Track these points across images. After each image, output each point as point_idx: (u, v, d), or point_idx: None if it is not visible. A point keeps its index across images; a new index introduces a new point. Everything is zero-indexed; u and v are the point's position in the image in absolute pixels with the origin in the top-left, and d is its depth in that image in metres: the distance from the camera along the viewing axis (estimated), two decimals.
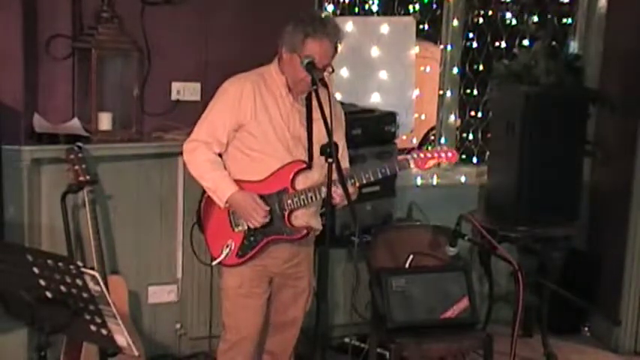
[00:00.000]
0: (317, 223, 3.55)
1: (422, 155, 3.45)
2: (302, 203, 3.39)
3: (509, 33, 5.16)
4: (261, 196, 3.39)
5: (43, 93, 4.02)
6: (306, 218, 3.49)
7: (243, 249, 3.44)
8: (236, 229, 3.44)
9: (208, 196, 3.45)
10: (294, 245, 3.51)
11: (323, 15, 3.49)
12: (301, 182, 3.41)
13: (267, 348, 3.72)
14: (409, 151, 3.56)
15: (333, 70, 3.42)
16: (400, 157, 3.48)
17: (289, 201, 3.40)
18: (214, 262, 3.49)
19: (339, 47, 3.40)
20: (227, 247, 3.44)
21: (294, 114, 3.42)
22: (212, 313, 4.36)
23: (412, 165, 3.46)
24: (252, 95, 3.36)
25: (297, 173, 3.40)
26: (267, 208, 3.37)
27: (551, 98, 4.61)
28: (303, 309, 3.68)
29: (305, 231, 3.46)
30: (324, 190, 3.25)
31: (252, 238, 3.43)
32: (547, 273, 4.67)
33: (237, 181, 3.39)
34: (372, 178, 3.41)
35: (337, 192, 3.25)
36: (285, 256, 3.52)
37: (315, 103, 3.27)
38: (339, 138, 3.49)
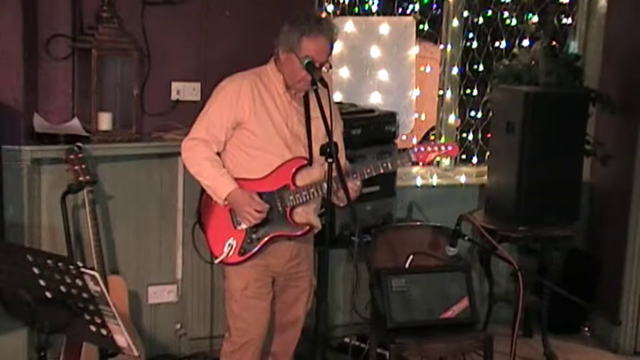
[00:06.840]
0: (317, 221, 3.57)
1: (422, 149, 3.47)
2: (303, 199, 3.41)
3: (509, 33, 5.15)
4: (263, 194, 3.40)
5: (43, 93, 4.02)
6: (307, 215, 3.50)
7: (244, 247, 3.45)
8: (238, 227, 3.45)
9: (208, 195, 3.45)
10: (295, 243, 3.53)
11: (317, 14, 3.51)
12: (302, 179, 3.43)
13: (270, 349, 3.72)
14: (410, 146, 3.57)
15: (331, 67, 3.43)
16: (401, 152, 3.49)
17: (291, 197, 3.41)
18: (217, 261, 3.49)
19: (335, 45, 3.41)
20: (229, 245, 3.45)
21: (292, 112, 3.44)
22: (212, 313, 4.36)
23: (413, 158, 3.48)
24: (250, 93, 3.38)
25: (297, 170, 3.42)
26: (266, 206, 3.37)
27: (551, 98, 4.61)
28: (305, 308, 3.69)
29: (307, 227, 3.48)
30: (324, 186, 3.27)
31: (253, 236, 3.44)
32: (547, 273, 4.67)
33: (238, 180, 3.40)
34: (373, 173, 3.44)
35: (338, 194, 3.27)
36: (286, 256, 3.54)
37: (312, 101, 3.29)
38: (337, 136, 3.51)
